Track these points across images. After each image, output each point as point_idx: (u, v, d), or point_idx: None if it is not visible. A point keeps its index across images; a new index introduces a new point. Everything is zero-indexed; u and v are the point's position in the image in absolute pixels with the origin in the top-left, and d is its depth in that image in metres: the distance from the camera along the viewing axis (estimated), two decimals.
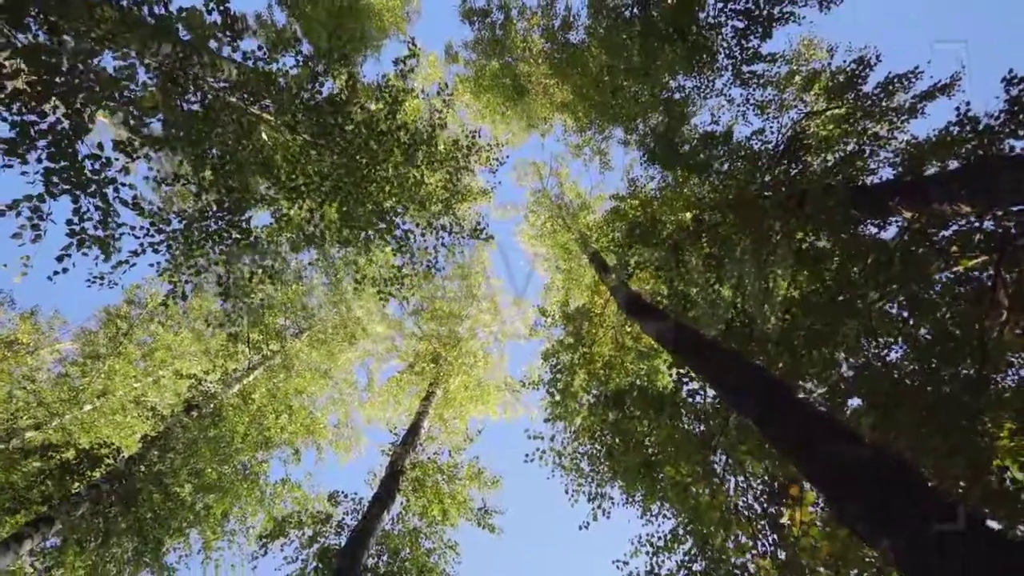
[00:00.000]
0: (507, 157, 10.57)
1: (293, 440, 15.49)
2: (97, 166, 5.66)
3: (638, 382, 11.11)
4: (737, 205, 8.13)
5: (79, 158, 5.54)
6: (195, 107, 6.96)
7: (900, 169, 8.59)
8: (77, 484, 10.62)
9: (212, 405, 14.11)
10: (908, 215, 6.70)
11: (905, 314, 6.83)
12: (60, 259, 5.93)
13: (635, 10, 11.16)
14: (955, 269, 5.59)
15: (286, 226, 8.27)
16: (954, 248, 5.67)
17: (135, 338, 17.59)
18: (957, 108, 7.59)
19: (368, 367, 19.95)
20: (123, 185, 5.57)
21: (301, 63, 8.13)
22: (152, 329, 17.87)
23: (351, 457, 18.71)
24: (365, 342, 19.37)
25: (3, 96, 4.89)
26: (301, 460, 15.29)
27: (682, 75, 11.48)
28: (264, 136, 8.66)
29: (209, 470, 12.76)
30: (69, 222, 5.69)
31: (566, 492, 8.93)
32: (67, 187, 5.41)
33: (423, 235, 8.85)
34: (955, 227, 6.77)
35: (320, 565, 9.95)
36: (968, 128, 7.55)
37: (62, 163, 5.37)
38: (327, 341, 18.39)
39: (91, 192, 5.53)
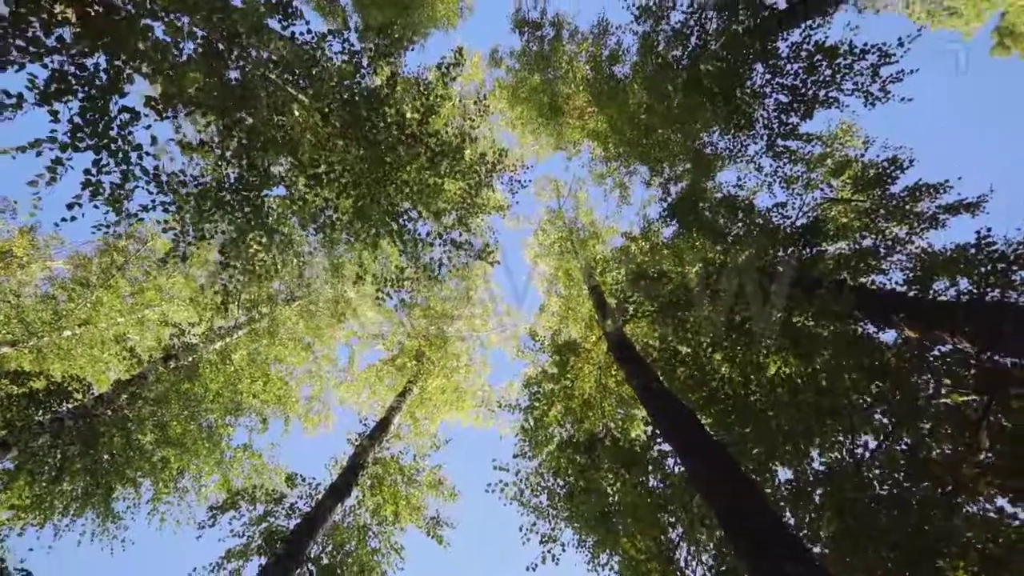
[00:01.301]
0: (529, 181, 10.58)
1: (263, 409, 15.44)
2: (126, 117, 5.66)
3: (612, 426, 11.13)
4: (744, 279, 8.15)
5: (109, 114, 5.55)
6: (234, 80, 6.95)
7: (910, 275, 8.64)
8: (41, 414, 10.56)
9: (190, 358, 14.07)
10: (909, 333, 6.73)
11: (888, 425, 6.87)
12: (71, 207, 5.92)
13: (685, 61, 11.18)
14: (944, 400, 5.61)
15: (300, 209, 8.25)
16: (947, 380, 5.69)
17: (128, 274, 17.50)
18: (978, 232, 7.63)
19: (351, 348, 19.91)
20: (147, 154, 5.56)
21: (346, 55, 8.14)
22: (146, 268, 17.78)
23: (318, 432, 18.67)
24: (353, 323, 19.36)
25: (52, 46, 4.90)
26: (267, 429, 15.25)
27: (717, 134, 11.50)
28: (296, 113, 8.64)
29: (175, 423, 12.72)
30: (87, 172, 5.65)
31: (520, 529, 8.94)
32: (91, 142, 5.41)
33: (432, 244, 8.85)
34: (951, 348, 6.82)
35: (265, 545, 9.93)
36: (984, 254, 7.61)
37: (92, 116, 5.38)
38: (316, 314, 18.34)
39: (114, 152, 5.52)
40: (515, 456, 9.80)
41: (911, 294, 8.20)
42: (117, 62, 5.38)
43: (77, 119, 5.14)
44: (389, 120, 8.14)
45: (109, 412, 11.02)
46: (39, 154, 5.33)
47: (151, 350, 15.73)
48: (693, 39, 10.75)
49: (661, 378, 9.49)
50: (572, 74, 15.74)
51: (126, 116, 5.63)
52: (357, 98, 8.14)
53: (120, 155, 5.56)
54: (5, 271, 16.35)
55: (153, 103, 5.98)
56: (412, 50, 8.63)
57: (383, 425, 13.51)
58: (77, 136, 5.21)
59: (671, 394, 7.55)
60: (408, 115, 8.33)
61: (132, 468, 11.69)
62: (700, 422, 6.85)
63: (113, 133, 5.60)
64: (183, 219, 7.25)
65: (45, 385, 10.67)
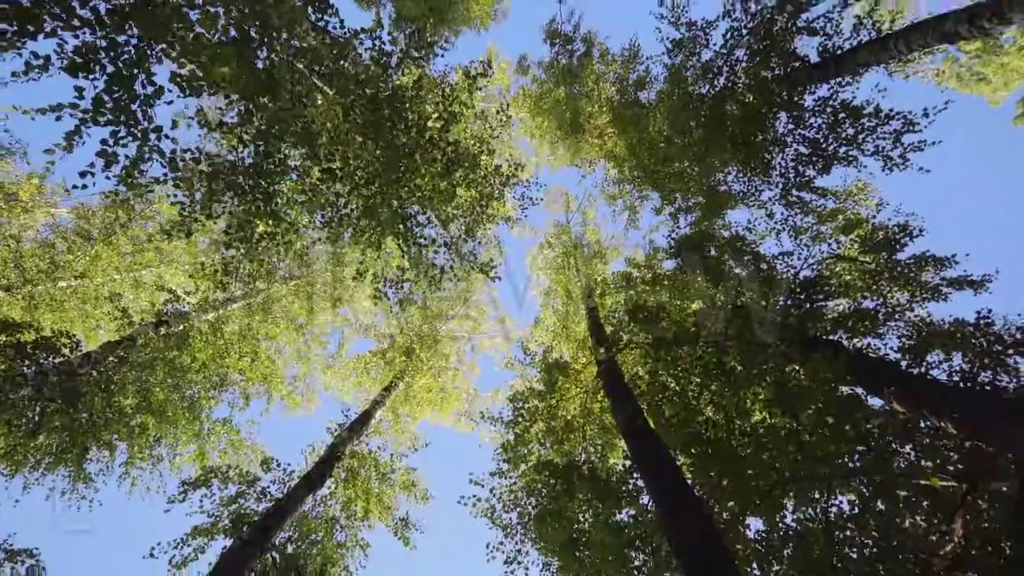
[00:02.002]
0: (540, 199, 10.60)
1: (247, 386, 15.41)
2: (151, 90, 5.67)
3: (592, 450, 11.14)
4: (739, 335, 8.18)
5: (134, 90, 5.56)
6: (260, 65, 6.94)
7: (905, 343, 8.67)
8: (28, 365, 10.51)
9: (182, 326, 14.05)
10: (897, 408, 6.76)
11: (864, 492, 6.90)
12: (83, 175, 5.94)
13: (711, 98, 11.17)
14: (923, 482, 5.63)
15: (310, 200, 8.23)
16: (928, 463, 5.72)
17: (130, 232, 17.41)
18: (978, 312, 7.70)
19: (343, 333, 19.84)
20: (166, 137, 5.58)
21: (376, 52, 8.14)
22: (149, 228, 17.69)
23: (299, 413, 18.59)
24: (348, 308, 19.31)
25: (86, 18, 4.91)
26: (249, 406, 15.23)
27: (734, 175, 11.52)
28: (319, 102, 8.63)
29: (158, 390, 12.70)
30: (103, 142, 5.62)
31: (487, 546, 8.94)
32: (112, 117, 5.40)
33: (436, 252, 8.86)
34: (938, 427, 6.84)
35: (232, 527, 9.91)
36: (981, 334, 7.66)
37: (116, 92, 5.39)
38: (312, 296, 18.30)
39: (132, 128, 5.52)
40: (492, 474, 9.80)
41: (904, 363, 8.24)
42: (148, 40, 5.40)
43: (102, 94, 5.14)
44: (410, 123, 8.14)
45: (94, 372, 11.00)
46: (59, 118, 5.33)
47: (143, 313, 15.66)
48: (722, 79, 10.76)
49: (646, 412, 9.52)
50: (597, 93, 15.74)
51: (150, 89, 5.64)
52: (382, 96, 8.14)
53: (140, 134, 5.57)
54: (8, 213, 16.30)
55: (179, 80, 5.99)
56: (442, 56, 8.63)
57: (364, 418, 13.49)
58: (99, 110, 5.21)
59: (654, 434, 7.56)
60: (430, 123, 8.32)
61: (109, 430, 11.67)
62: (679, 469, 6.87)
63: (135, 108, 5.60)
64: (192, 196, 7.24)
65: (34, 338, 10.63)
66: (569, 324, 14.45)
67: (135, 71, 5.52)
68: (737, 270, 11.23)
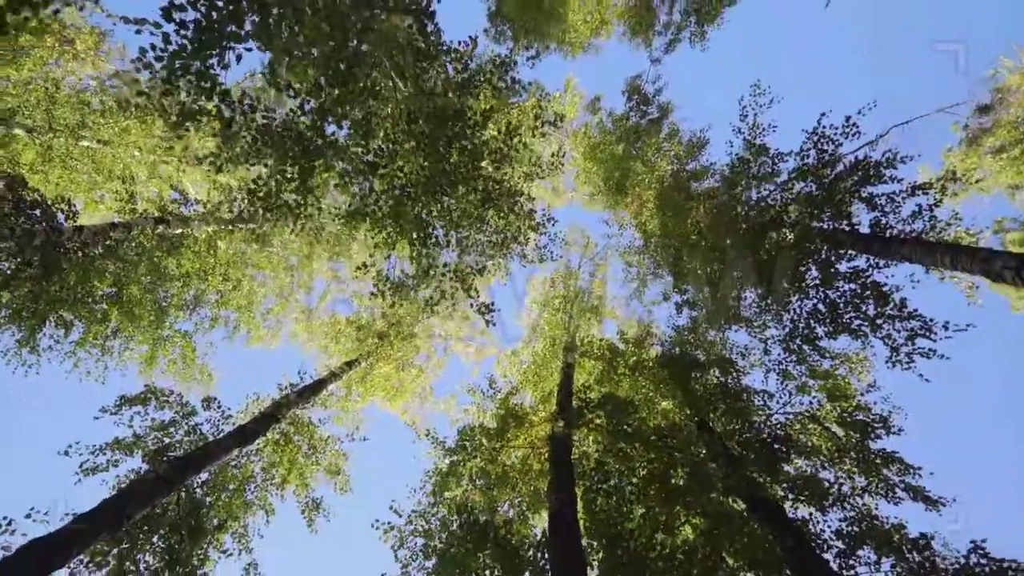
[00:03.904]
0: (560, 255, 10.62)
1: (219, 310, 15.34)
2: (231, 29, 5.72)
3: (518, 504, 11.13)
4: (692, 471, 8.24)
5: (219, 43, 5.62)
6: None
7: (844, 528, 8.76)
8: (20, 221, 10.38)
9: (180, 231, 13.98)
10: None
11: None
12: (140, 95, 6.00)
13: (756, 221, 11.23)
14: None
15: (344, 187, 8.21)
16: None
17: (168, 119, 17.18)
18: (923, 533, 7.81)
19: (327, 288, 19.74)
20: (228, 105, 5.61)
21: (460, 67, 8.16)
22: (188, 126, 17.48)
23: (258, 346, 18.48)
24: (343, 264, 19.21)
25: None
26: (213, 330, 15.17)
27: (748, 301, 11.59)
28: (389, 90, 8.61)
29: (133, 287, 12.61)
30: (170, 74, 5.63)
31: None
32: (183, 62, 5.43)
33: (444, 275, 8.89)
34: None
35: (153, 456, 9.85)
36: (918, 552, 7.78)
37: (200, 37, 5.43)
38: (313, 243, 18.19)
39: (199, 81, 5.55)
40: (413, 511, 9.75)
41: (836, 549, 8.34)
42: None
43: (187, 44, 5.19)
44: (465, 149, 8.15)
45: (80, 253, 10.90)
46: (139, 32, 5.35)
47: (149, 203, 15.50)
48: (772, 212, 10.83)
49: (581, 495, 9.55)
50: (652, 166, 15.76)
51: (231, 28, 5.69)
52: (448, 112, 8.15)
53: (209, 84, 5.60)
54: (59, 54, 16.13)
55: (263, 34, 6.03)
56: (522, 98, 8.65)
57: (317, 387, 13.40)
58: (179, 56, 5.25)
59: (578, 532, 7.60)
60: (484, 163, 8.34)
61: (73, 310, 11.55)
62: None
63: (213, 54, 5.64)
64: (236, 142, 7.24)
65: (34, 199, 10.51)
66: (542, 372, 14.42)
67: (227, 25, 5.58)
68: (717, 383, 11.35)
